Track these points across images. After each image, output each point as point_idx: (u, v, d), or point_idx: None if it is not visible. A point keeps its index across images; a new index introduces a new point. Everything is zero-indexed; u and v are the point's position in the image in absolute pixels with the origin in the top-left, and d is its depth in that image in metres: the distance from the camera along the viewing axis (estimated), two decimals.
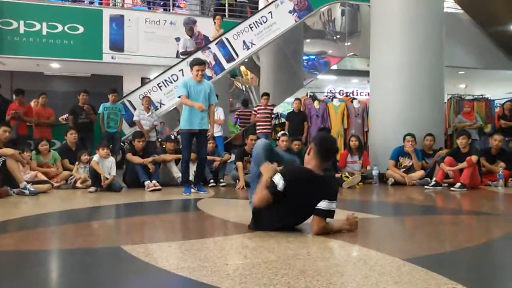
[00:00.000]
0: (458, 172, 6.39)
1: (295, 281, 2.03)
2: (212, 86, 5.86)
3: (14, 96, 8.05)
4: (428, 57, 7.52)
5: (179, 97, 5.67)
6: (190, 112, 5.57)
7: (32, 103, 8.79)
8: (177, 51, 10.52)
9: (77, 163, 6.53)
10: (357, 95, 14.86)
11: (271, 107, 9.15)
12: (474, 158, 6.28)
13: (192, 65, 5.68)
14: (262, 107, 8.90)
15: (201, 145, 5.76)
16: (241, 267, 2.26)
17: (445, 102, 9.25)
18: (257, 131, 8.62)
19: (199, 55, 9.26)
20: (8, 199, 5.15)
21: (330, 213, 3.03)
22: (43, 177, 6.05)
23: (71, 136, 7.11)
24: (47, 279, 2.20)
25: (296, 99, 9.42)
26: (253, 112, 9.10)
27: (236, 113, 10.52)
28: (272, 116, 9.27)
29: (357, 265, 2.33)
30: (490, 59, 12.44)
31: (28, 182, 5.57)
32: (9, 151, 5.62)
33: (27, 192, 5.39)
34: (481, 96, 10.72)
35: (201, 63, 5.67)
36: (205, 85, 5.71)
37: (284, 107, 13.44)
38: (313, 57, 13.26)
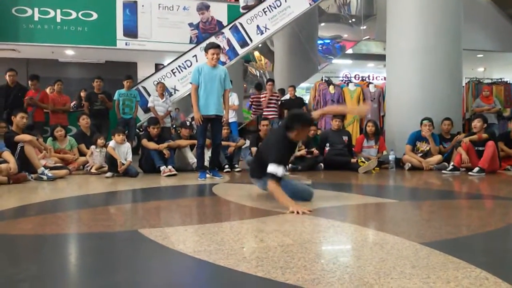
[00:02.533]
0: (476, 156, 6.30)
1: (312, 264, 2.03)
2: (227, 72, 5.80)
3: (29, 82, 8.13)
4: (446, 40, 7.38)
5: (192, 83, 5.68)
6: (205, 98, 5.55)
7: (48, 90, 8.87)
8: (190, 37, 10.50)
9: (93, 146, 6.58)
10: (373, 79, 14.70)
11: (276, 94, 9.22)
12: (483, 135, 6.24)
13: (207, 49, 5.62)
14: (268, 95, 8.98)
15: (216, 130, 5.75)
16: (257, 250, 2.26)
17: (463, 86, 9.08)
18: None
19: (213, 40, 9.23)
20: (27, 184, 5.24)
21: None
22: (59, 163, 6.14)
23: (83, 122, 7.19)
24: (66, 262, 2.23)
25: (290, 86, 9.40)
26: (263, 100, 9.13)
27: (250, 98, 10.49)
28: (278, 102, 9.24)
29: (374, 249, 2.31)
30: (509, 42, 12.16)
31: (46, 167, 5.64)
32: (27, 137, 5.69)
33: (44, 177, 5.46)
34: (500, 80, 10.49)
35: (216, 46, 5.63)
36: (220, 70, 5.66)
37: (299, 92, 13.36)
38: (328, 41, 13.11)
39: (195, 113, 5.57)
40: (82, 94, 9.70)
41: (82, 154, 6.89)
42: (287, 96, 9.90)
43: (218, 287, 1.87)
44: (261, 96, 9.32)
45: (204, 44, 9.11)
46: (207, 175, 5.73)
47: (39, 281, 1.87)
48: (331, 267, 2.00)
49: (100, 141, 6.54)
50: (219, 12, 10.57)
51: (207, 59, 5.63)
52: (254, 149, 6.62)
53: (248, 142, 7.30)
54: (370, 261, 2.08)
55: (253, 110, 10.11)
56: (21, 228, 2.94)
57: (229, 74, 5.84)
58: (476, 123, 6.47)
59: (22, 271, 2.00)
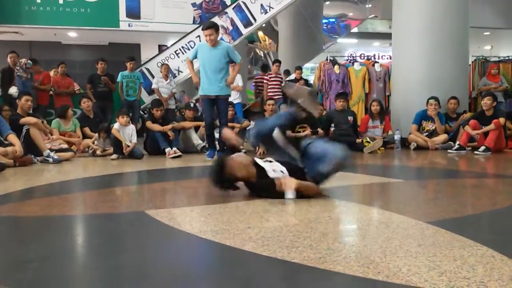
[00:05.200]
0: (483, 135, 6.27)
1: (317, 243, 2.03)
2: (230, 47, 5.65)
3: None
4: (452, 17, 7.26)
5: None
6: (205, 78, 5.47)
7: (52, 73, 8.85)
8: (193, 17, 10.39)
9: (96, 135, 6.57)
10: (378, 58, 14.54)
11: (281, 75, 9.15)
12: (501, 120, 6.14)
13: (202, 30, 5.54)
14: (273, 75, 8.90)
15: (220, 111, 5.68)
16: (263, 230, 2.26)
17: (470, 64, 8.96)
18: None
19: (216, 20, 9.13)
20: (33, 167, 5.26)
21: None
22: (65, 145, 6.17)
23: (85, 105, 7.17)
24: (73, 243, 2.25)
25: (297, 67, 9.31)
26: (265, 81, 9.05)
27: (254, 80, 10.41)
28: (282, 83, 9.17)
29: (380, 228, 2.32)
30: None
31: (51, 150, 5.66)
32: (32, 119, 5.71)
33: (50, 160, 5.49)
34: (507, 58, 10.33)
35: (207, 27, 5.40)
36: (221, 49, 5.47)
37: (304, 72, 13.29)
38: (333, 20, 12.98)
39: (193, 78, 5.53)
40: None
41: (86, 136, 6.89)
42: (292, 77, 9.84)
43: (224, 266, 1.88)
44: (265, 77, 9.24)
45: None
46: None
47: (47, 262, 1.88)
48: (336, 246, 2.01)
49: (103, 135, 6.50)
50: None
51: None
52: None
53: (252, 123, 7.28)
54: (376, 240, 2.09)
55: (257, 91, 10.05)
56: (28, 210, 2.96)
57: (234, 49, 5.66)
58: (486, 101, 6.41)
59: (30, 252, 2.02)
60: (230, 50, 5.54)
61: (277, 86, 8.92)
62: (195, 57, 5.53)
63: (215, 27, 5.46)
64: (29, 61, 7.61)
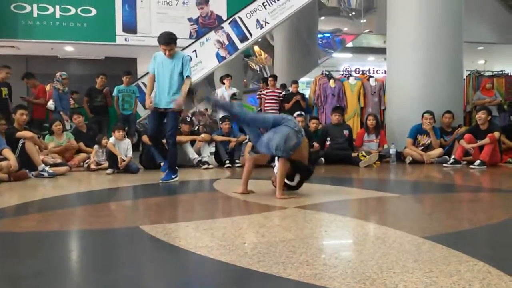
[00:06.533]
0: (478, 149, 6.29)
1: (314, 259, 2.02)
2: (185, 58, 5.12)
3: (25, 81, 8.16)
4: (446, 32, 7.35)
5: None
6: (157, 89, 5.07)
7: (48, 87, 8.84)
8: (190, 32, 10.45)
9: (96, 146, 6.54)
10: (373, 73, 14.66)
11: (279, 90, 9.17)
12: (496, 134, 6.18)
13: (161, 44, 4.98)
14: (270, 90, 8.93)
15: (168, 124, 5.14)
16: (259, 245, 2.25)
17: (464, 79, 9.05)
18: None
19: (212, 35, 9.20)
20: (27, 181, 5.23)
21: None
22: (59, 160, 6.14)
23: (76, 121, 7.15)
24: (67, 259, 2.22)
25: (293, 82, 9.35)
26: (262, 96, 9.06)
27: (258, 92, 10.38)
28: (280, 98, 9.18)
29: (376, 243, 2.31)
30: (510, 34, 12.12)
31: (46, 164, 5.63)
32: (28, 133, 5.69)
33: (45, 174, 5.46)
34: (501, 72, 10.44)
35: (164, 43, 4.93)
36: (177, 60, 5.03)
37: (299, 86, 13.35)
38: (328, 35, 13.10)
39: (146, 98, 5.11)
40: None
41: (81, 151, 6.85)
42: (306, 88, 9.83)
43: (219, 283, 1.86)
44: (262, 93, 9.25)
45: (204, 39, 9.09)
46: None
47: (41, 278, 1.86)
48: (333, 262, 1.99)
49: (104, 141, 6.47)
50: (219, 6, 10.53)
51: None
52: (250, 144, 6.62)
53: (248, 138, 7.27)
54: (372, 255, 2.08)
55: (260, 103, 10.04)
56: (22, 226, 2.94)
57: (189, 62, 5.17)
58: (481, 115, 6.45)
59: (24, 268, 1.99)
60: (184, 61, 5.06)
61: (274, 101, 8.92)
62: (153, 68, 5.12)
63: (175, 41, 5.02)
64: (63, 72, 7.66)
